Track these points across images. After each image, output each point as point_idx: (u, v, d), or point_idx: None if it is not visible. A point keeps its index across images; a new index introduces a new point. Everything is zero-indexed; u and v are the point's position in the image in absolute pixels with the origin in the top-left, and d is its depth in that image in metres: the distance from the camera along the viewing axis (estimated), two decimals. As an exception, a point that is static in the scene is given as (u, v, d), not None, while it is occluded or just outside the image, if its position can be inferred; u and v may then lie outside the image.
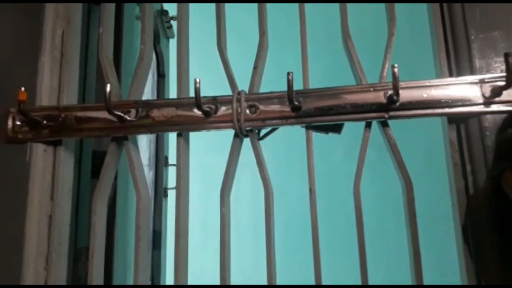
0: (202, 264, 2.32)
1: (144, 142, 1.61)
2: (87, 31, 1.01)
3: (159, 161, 1.70)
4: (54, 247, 0.84)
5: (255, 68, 0.83)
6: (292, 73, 0.71)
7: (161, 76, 1.63)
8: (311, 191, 0.77)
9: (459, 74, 0.77)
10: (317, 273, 0.75)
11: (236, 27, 1.09)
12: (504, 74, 0.68)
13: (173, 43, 1.78)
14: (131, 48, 1.23)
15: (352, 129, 0.84)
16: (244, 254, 2.35)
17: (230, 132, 0.82)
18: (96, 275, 0.82)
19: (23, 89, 0.78)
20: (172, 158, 1.82)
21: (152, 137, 1.69)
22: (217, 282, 0.78)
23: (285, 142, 2.10)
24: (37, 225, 0.83)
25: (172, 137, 1.88)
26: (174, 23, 1.72)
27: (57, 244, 0.85)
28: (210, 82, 0.94)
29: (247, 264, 2.55)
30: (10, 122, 0.84)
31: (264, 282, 0.76)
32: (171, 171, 1.83)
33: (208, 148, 2.34)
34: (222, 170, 0.82)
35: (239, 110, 0.79)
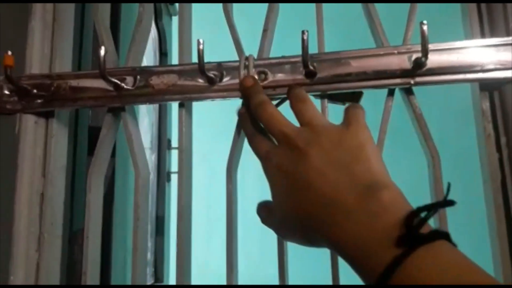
0: (207, 258, 2.27)
1: (146, 124, 1.54)
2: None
3: (162, 144, 1.64)
4: (46, 228, 0.77)
5: (264, 31, 0.75)
6: (307, 31, 0.63)
7: (163, 54, 1.56)
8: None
9: (493, 36, 0.69)
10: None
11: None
12: (547, 33, 0.60)
13: (175, 21, 1.71)
14: (131, 21, 1.16)
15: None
16: (250, 243, 2.29)
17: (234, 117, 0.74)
18: (91, 256, 0.75)
19: (9, 53, 0.71)
20: (175, 141, 1.76)
21: (154, 119, 1.63)
22: (223, 270, 0.71)
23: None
24: (27, 203, 0.76)
25: (175, 119, 1.82)
26: None
27: (50, 225, 0.78)
28: (214, 54, 0.86)
29: (254, 253, 2.50)
30: (-3, 92, 0.77)
31: (272, 267, 0.70)
32: (174, 155, 1.77)
33: (212, 135, 2.28)
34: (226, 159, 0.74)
35: (247, 77, 0.71)
